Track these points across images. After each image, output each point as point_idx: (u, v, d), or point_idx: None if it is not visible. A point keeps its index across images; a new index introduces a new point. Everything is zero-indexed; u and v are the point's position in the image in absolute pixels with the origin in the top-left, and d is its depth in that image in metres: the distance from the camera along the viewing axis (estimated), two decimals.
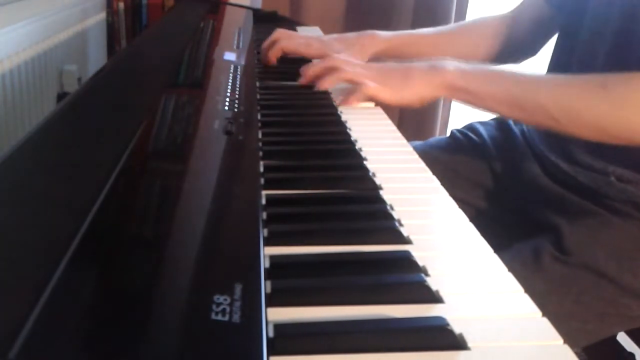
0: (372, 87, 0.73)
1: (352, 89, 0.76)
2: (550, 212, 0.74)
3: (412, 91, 0.72)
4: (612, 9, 0.70)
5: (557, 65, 0.82)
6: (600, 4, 0.73)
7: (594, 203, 0.71)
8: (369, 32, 0.95)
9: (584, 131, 0.64)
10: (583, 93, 0.63)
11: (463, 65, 0.72)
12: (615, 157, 0.70)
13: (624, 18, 0.69)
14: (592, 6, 0.74)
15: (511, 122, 0.88)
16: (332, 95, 0.80)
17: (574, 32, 0.77)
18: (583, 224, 0.70)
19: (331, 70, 0.78)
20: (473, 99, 0.70)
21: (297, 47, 0.94)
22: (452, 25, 1.02)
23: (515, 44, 0.93)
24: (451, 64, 0.72)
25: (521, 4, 0.93)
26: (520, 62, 0.96)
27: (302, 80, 0.81)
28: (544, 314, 0.36)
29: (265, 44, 0.95)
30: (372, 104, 0.80)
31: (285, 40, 0.94)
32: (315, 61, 0.82)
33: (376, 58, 0.95)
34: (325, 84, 0.78)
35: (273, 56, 0.94)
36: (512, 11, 0.94)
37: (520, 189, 0.82)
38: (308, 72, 0.81)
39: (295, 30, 1.26)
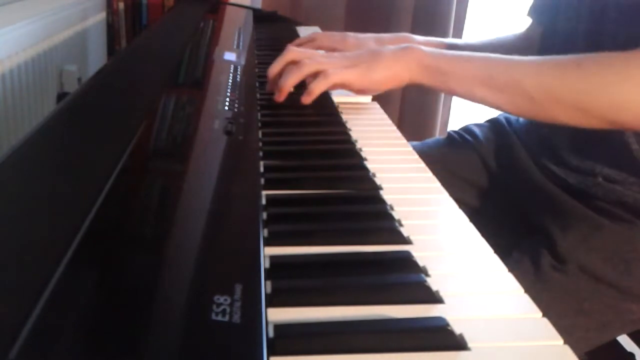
0: (336, 72, 0.68)
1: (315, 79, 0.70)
2: (544, 213, 0.74)
3: (382, 73, 0.68)
4: (581, 11, 0.71)
5: None
6: (570, 8, 0.74)
7: (585, 205, 0.71)
8: (405, 34, 0.96)
9: (563, 112, 0.61)
10: (559, 71, 0.60)
11: (435, 48, 0.69)
12: (601, 157, 0.70)
13: (592, 20, 0.70)
14: (563, 10, 0.75)
15: (505, 124, 0.89)
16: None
17: (551, 37, 0.78)
18: (576, 229, 0.70)
19: (292, 64, 0.71)
20: (447, 81, 0.66)
21: (334, 44, 0.94)
22: (481, 39, 1.01)
23: None
24: (422, 46, 0.69)
25: (531, 23, 0.94)
26: None
27: (268, 87, 0.75)
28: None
29: (299, 41, 0.96)
30: (368, 99, 0.79)
31: (323, 38, 0.94)
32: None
33: None
34: (289, 82, 0.70)
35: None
36: (525, 31, 0.95)
37: (514, 190, 0.82)
38: (270, 71, 0.74)
39: (295, 30, 1.27)
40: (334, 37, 0.95)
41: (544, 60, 0.63)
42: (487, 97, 0.65)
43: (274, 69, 0.73)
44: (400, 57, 0.68)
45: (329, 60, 0.70)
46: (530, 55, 0.92)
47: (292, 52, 0.73)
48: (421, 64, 0.67)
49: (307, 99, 0.69)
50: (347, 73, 0.68)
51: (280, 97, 0.72)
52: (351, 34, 0.96)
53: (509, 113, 0.67)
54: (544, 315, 0.36)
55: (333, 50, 0.94)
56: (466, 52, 0.68)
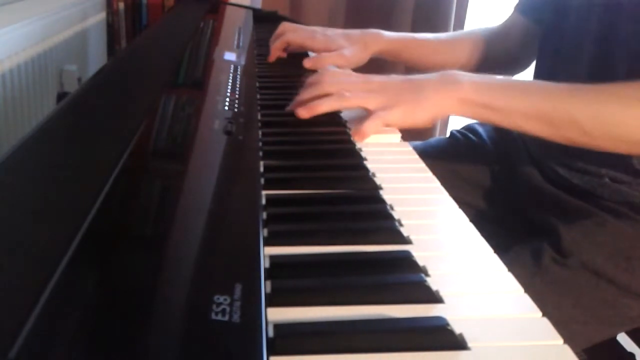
0: (381, 115, 0.63)
1: (361, 118, 0.65)
2: (548, 213, 0.74)
3: (425, 111, 0.63)
4: (591, 17, 0.71)
5: (542, 75, 0.83)
6: (580, 15, 0.73)
7: (590, 204, 0.71)
8: (374, 30, 0.94)
9: (617, 145, 0.61)
10: (618, 106, 0.59)
11: (477, 77, 0.64)
12: (607, 160, 0.70)
13: (603, 27, 0.70)
14: (571, 18, 0.75)
15: None
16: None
17: (556, 43, 0.78)
18: (579, 225, 0.70)
19: (328, 93, 0.66)
20: (495, 115, 0.62)
21: (303, 41, 0.94)
22: (452, 33, 1.01)
23: (507, 57, 0.94)
24: (464, 76, 0.64)
25: (510, 17, 0.94)
26: (513, 75, 0.97)
27: (295, 108, 0.67)
28: (545, 316, 0.36)
29: (273, 38, 0.96)
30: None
31: (291, 33, 0.94)
32: (310, 79, 0.70)
33: (377, 57, 0.95)
34: (324, 107, 0.66)
35: (277, 49, 0.94)
36: (504, 24, 0.95)
37: (518, 190, 0.82)
38: (302, 98, 0.68)
39: None
40: (302, 33, 0.94)
41: (601, 92, 0.61)
42: (537, 132, 0.63)
43: (306, 97, 0.68)
44: (444, 92, 0.63)
45: (369, 95, 0.65)
46: (507, 48, 0.92)
47: (325, 83, 0.67)
48: (466, 101, 0.63)
49: (357, 137, 0.64)
50: (391, 115, 0.63)
51: (307, 115, 0.66)
52: (319, 30, 0.95)
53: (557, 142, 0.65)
54: (544, 315, 0.36)
55: (301, 47, 0.94)
56: (513, 81, 0.65)
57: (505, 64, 0.95)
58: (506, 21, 0.95)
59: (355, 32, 0.94)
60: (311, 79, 0.70)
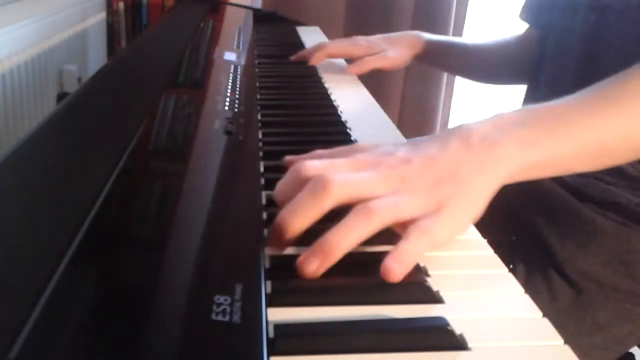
0: (428, 230, 0.39)
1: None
2: (536, 212, 0.74)
3: (475, 206, 0.42)
4: (576, 18, 0.72)
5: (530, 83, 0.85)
6: (565, 16, 0.75)
7: (581, 200, 0.71)
8: (413, 32, 0.96)
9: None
10: None
11: (515, 131, 0.45)
12: None
13: (589, 27, 0.70)
14: (557, 19, 0.76)
15: None
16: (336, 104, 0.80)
17: (541, 45, 0.78)
18: (572, 236, 0.69)
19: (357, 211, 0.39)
20: (548, 169, 0.47)
21: (346, 49, 0.94)
22: (486, 41, 1.01)
23: (529, 66, 0.94)
24: (500, 134, 0.44)
25: (527, 29, 0.95)
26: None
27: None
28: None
29: (307, 52, 0.95)
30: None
31: (332, 45, 0.93)
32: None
33: (414, 60, 0.96)
34: (351, 242, 0.39)
35: (317, 59, 0.92)
36: (523, 33, 0.96)
37: (507, 189, 0.82)
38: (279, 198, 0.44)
39: (295, 30, 1.27)
40: (342, 42, 0.94)
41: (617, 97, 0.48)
42: (600, 166, 0.50)
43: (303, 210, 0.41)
44: (487, 169, 0.43)
45: (399, 202, 0.40)
46: (524, 56, 0.92)
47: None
48: (517, 170, 0.45)
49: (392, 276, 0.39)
50: (439, 230, 0.40)
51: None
52: (360, 37, 0.94)
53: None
54: (544, 316, 0.36)
55: (345, 55, 0.94)
56: (548, 116, 0.47)
57: (525, 72, 0.95)
58: (525, 31, 0.96)
59: (395, 34, 0.96)
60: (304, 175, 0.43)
